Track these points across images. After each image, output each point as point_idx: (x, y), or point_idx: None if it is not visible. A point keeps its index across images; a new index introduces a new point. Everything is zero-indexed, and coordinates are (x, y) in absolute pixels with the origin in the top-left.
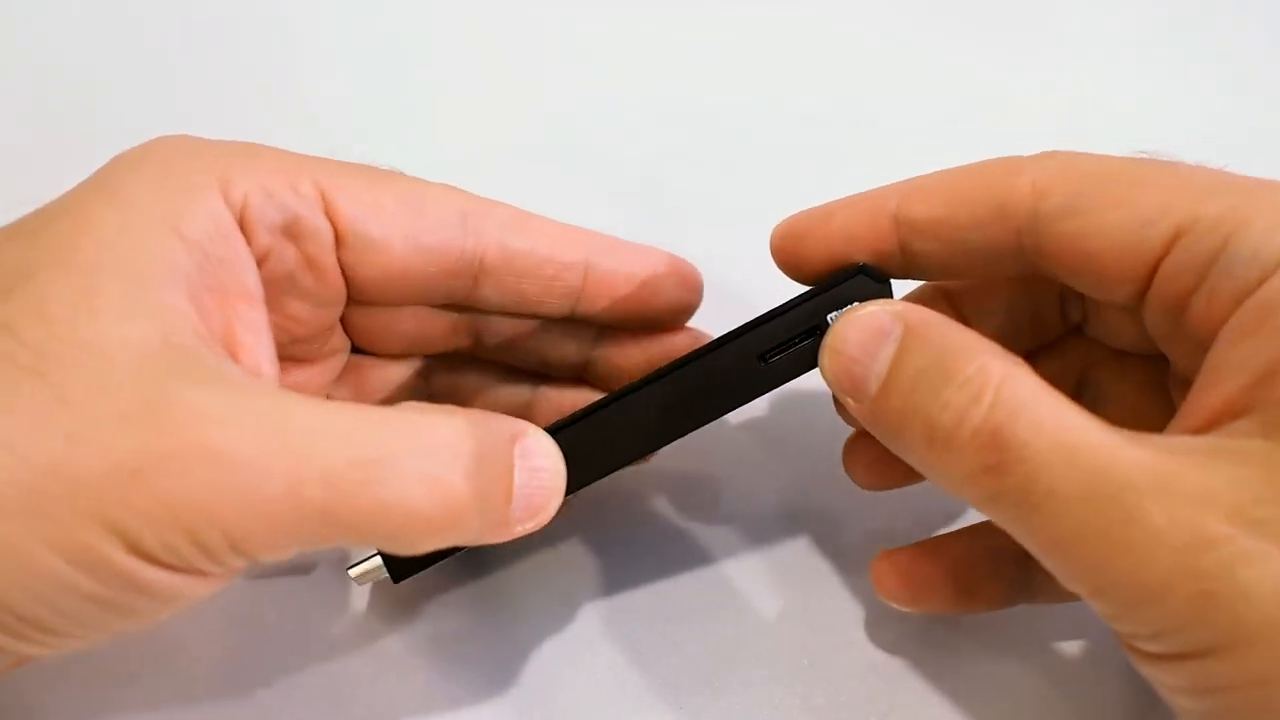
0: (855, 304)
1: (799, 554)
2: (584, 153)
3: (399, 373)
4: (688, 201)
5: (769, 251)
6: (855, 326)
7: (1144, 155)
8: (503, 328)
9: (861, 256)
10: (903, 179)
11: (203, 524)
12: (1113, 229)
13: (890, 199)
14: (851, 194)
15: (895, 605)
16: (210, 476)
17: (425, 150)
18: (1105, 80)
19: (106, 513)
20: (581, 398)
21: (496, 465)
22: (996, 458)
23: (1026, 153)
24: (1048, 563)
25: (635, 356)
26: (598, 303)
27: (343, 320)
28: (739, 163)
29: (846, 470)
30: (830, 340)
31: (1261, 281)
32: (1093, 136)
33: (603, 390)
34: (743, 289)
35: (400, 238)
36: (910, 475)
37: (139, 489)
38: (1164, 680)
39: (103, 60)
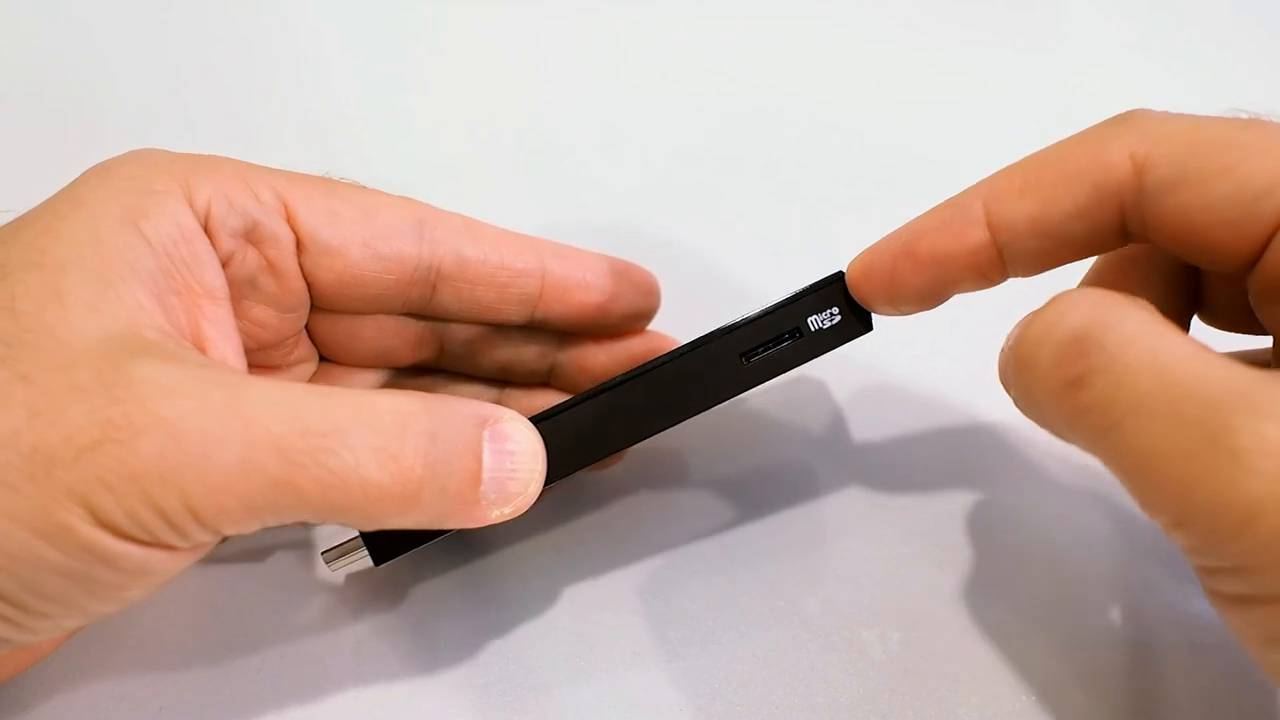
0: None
1: (797, 554)
2: (585, 155)
3: (367, 382)
4: (686, 202)
5: (852, 292)
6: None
7: (1241, 115)
8: (466, 336)
9: (960, 274)
10: (977, 182)
11: (161, 492)
12: (1220, 202)
13: (973, 207)
14: (915, 216)
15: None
16: (164, 445)
17: (427, 151)
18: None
19: (68, 483)
20: (548, 401)
21: (457, 445)
22: (1081, 367)
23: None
24: (1131, 488)
25: (599, 360)
26: (555, 308)
27: (310, 331)
28: (741, 163)
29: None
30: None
31: None
32: None
33: (568, 395)
34: (743, 289)
35: (357, 244)
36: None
37: (97, 458)
38: (1248, 630)
39: (108, 66)
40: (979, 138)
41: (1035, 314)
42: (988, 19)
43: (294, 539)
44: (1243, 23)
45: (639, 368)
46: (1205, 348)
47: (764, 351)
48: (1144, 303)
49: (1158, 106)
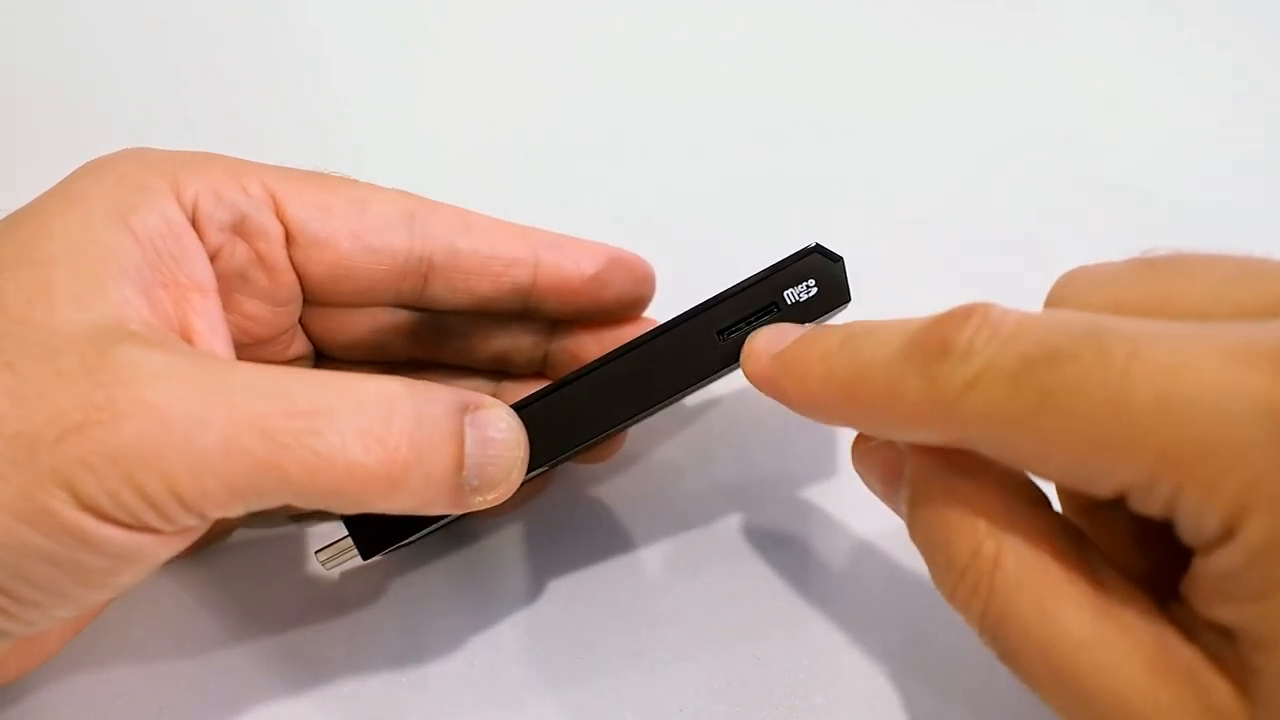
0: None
1: (798, 553)
2: (585, 155)
3: None
4: (686, 202)
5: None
6: (870, 464)
7: None
8: (461, 327)
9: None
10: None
11: (144, 474)
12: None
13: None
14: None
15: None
16: (147, 427)
17: (427, 151)
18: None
19: (51, 465)
20: None
21: (441, 429)
22: (997, 648)
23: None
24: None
25: (592, 349)
26: (549, 298)
27: (305, 327)
28: (741, 162)
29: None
30: (856, 462)
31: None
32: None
33: None
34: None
35: (347, 236)
36: None
37: (79, 440)
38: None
39: (108, 66)
40: (979, 138)
41: (954, 583)
42: (988, 19)
43: (292, 538)
44: (1243, 23)
45: (613, 351)
46: (1098, 606)
47: (741, 327)
48: None
49: (1158, 107)
